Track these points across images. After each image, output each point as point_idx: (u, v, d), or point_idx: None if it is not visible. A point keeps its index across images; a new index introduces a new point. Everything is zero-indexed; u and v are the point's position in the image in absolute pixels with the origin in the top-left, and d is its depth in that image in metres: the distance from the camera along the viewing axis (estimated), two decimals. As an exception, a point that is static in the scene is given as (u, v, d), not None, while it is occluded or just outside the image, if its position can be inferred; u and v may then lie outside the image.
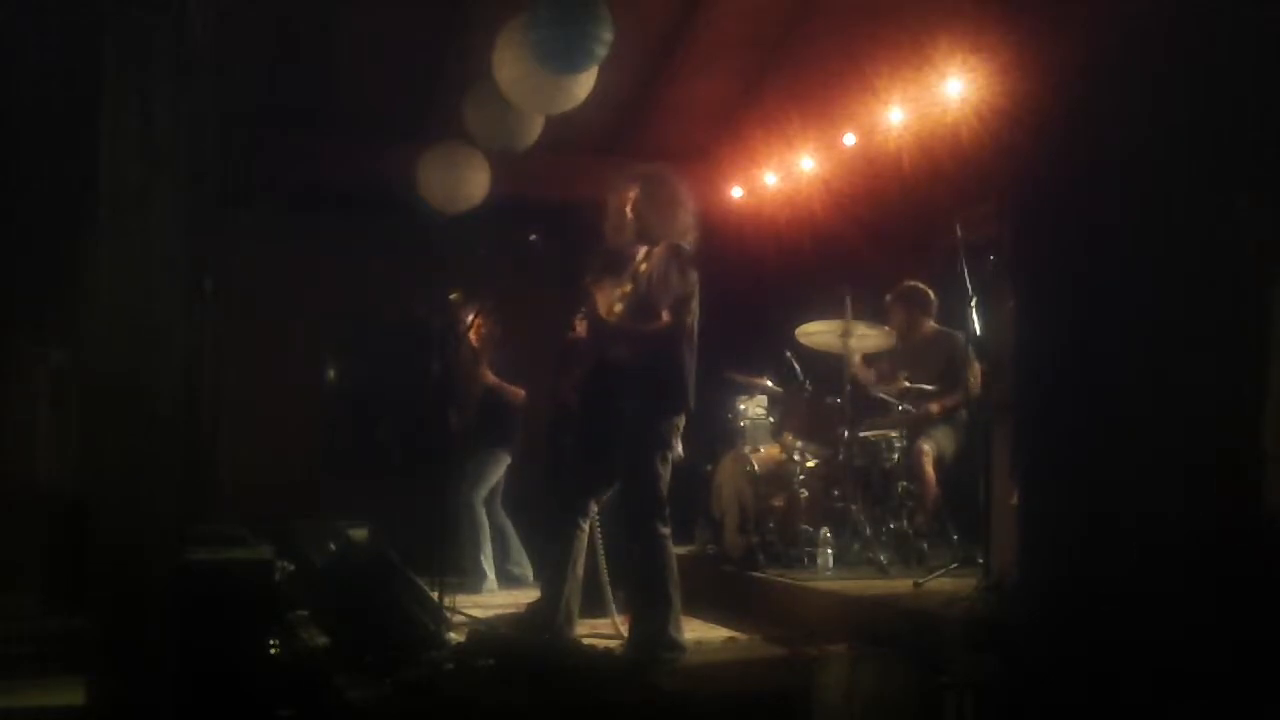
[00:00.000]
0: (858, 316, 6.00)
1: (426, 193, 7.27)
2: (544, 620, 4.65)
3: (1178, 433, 3.47)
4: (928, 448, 5.99)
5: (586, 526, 4.72)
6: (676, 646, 4.48)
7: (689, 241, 4.67)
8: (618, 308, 4.65)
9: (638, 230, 4.66)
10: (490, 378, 6.71)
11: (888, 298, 6.41)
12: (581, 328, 4.72)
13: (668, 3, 7.00)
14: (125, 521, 3.70)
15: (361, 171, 7.54)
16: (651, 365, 4.51)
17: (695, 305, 4.59)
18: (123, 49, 3.78)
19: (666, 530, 4.54)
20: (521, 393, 6.68)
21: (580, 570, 4.70)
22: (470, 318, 6.65)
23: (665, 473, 4.55)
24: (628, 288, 4.65)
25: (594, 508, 4.76)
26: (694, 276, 4.57)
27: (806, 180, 7.59)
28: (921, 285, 6.38)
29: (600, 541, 4.96)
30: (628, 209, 4.65)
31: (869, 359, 6.42)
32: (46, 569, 5.46)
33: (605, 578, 5.11)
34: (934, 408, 6.10)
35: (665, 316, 4.50)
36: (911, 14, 6.04)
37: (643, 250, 4.67)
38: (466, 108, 6.66)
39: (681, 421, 4.61)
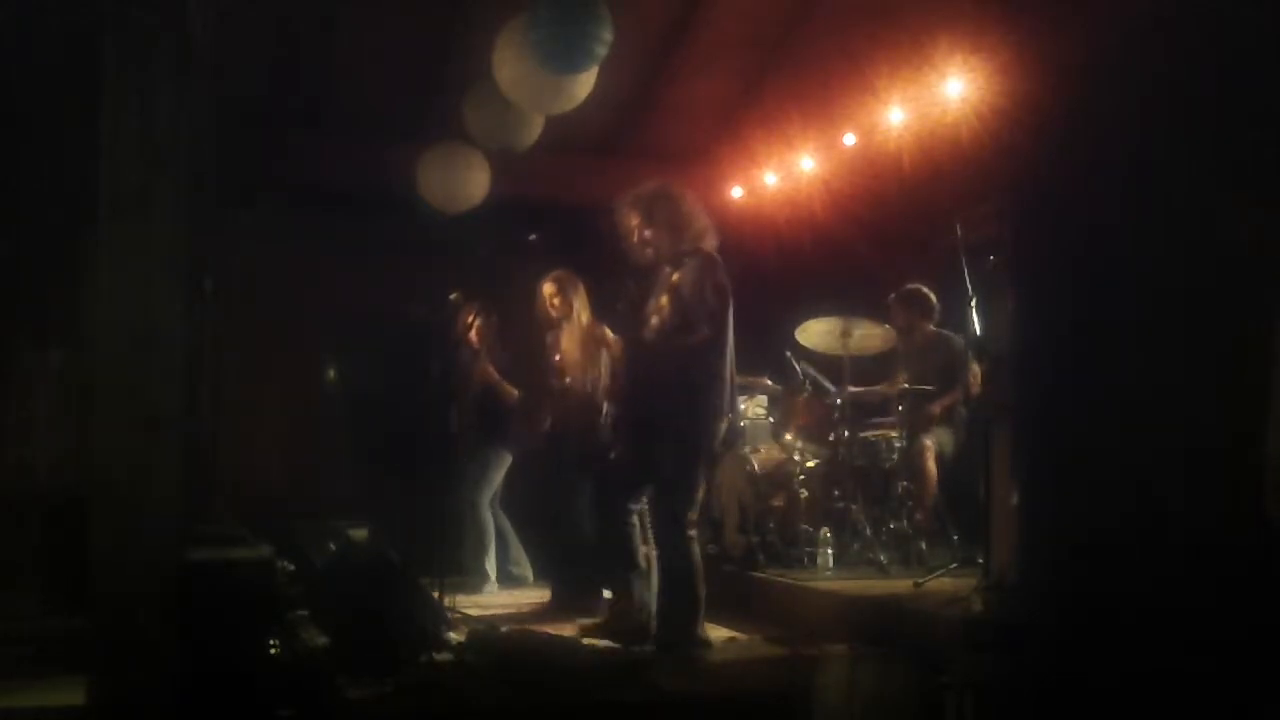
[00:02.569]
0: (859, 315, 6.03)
1: (426, 193, 7.27)
2: (636, 622, 4.77)
3: (1177, 433, 3.47)
4: (929, 443, 6.00)
5: (636, 523, 4.78)
6: (704, 643, 4.57)
7: (710, 243, 4.69)
8: (654, 320, 4.68)
9: (656, 250, 4.70)
10: (492, 376, 6.71)
11: (890, 299, 6.41)
12: (617, 346, 4.69)
13: (668, 3, 7.00)
14: (125, 521, 3.69)
15: (361, 171, 7.54)
16: (691, 376, 4.56)
17: (730, 314, 4.63)
18: (123, 49, 3.78)
19: (694, 532, 4.61)
20: (515, 392, 6.68)
21: (643, 560, 4.81)
22: (470, 318, 6.66)
23: (703, 477, 4.62)
24: (663, 300, 4.67)
25: (638, 507, 4.83)
26: (728, 287, 4.61)
27: (806, 180, 7.59)
28: (924, 288, 6.38)
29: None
30: (636, 235, 4.69)
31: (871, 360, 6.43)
32: (46, 569, 5.44)
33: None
34: (935, 410, 6.10)
35: (705, 330, 4.54)
36: (911, 14, 6.04)
37: (675, 262, 4.69)
38: (466, 108, 6.66)
39: (723, 427, 4.65)
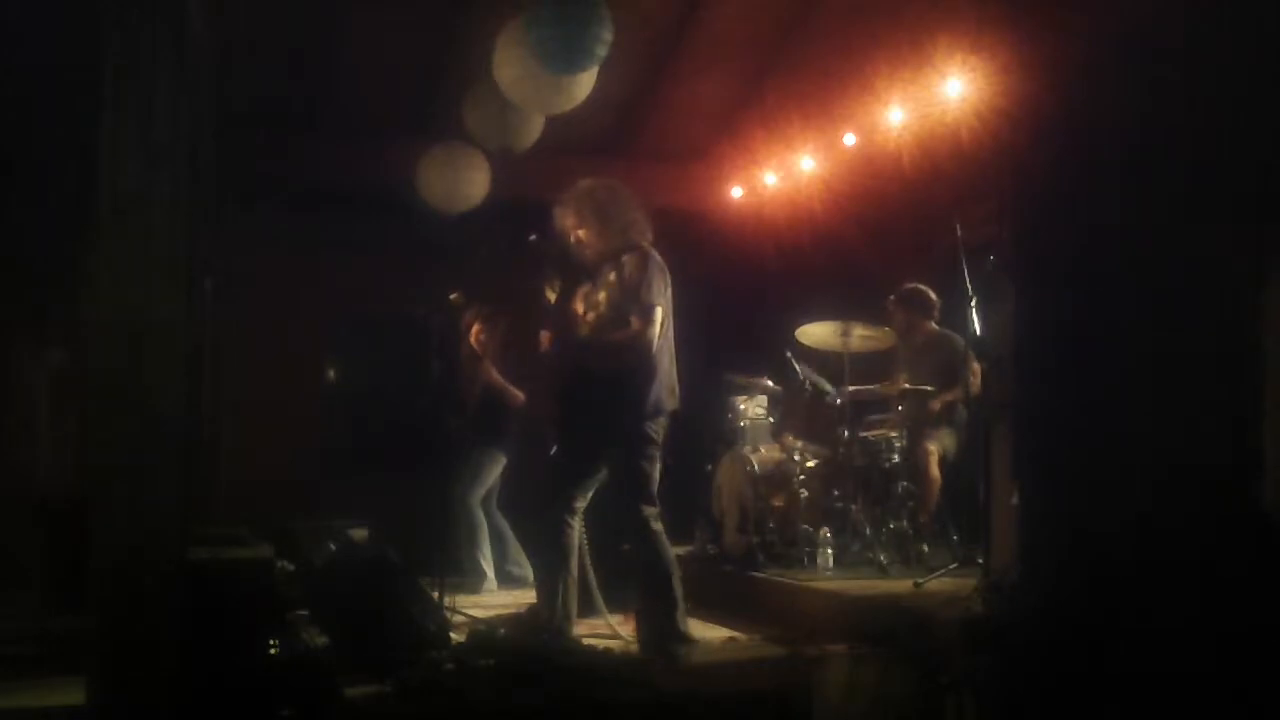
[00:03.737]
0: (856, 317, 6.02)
1: (426, 193, 7.27)
2: (544, 621, 4.67)
3: (1177, 433, 3.47)
4: (933, 447, 5.99)
5: (575, 524, 4.74)
6: (684, 639, 4.54)
7: (646, 236, 4.71)
8: (590, 315, 4.71)
9: (594, 248, 4.72)
10: (493, 377, 6.71)
11: (889, 299, 6.41)
12: (547, 340, 4.80)
13: (668, 3, 7.00)
14: (125, 521, 3.69)
15: (361, 171, 7.54)
16: (627, 370, 4.56)
17: (665, 312, 4.63)
18: (123, 49, 3.78)
19: (659, 526, 4.59)
20: (521, 395, 6.68)
21: (575, 568, 4.73)
22: (470, 318, 6.66)
23: (654, 471, 4.60)
24: (601, 295, 4.71)
25: (580, 506, 4.78)
26: (663, 284, 4.62)
27: (806, 180, 7.59)
28: (922, 287, 6.38)
29: (586, 543, 4.98)
30: (571, 236, 4.74)
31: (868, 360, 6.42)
32: (46, 569, 5.45)
33: (592, 578, 5.12)
34: (934, 405, 6.10)
35: (635, 323, 4.55)
36: (911, 14, 6.05)
37: (614, 259, 4.70)
38: (466, 108, 6.67)
39: (664, 421, 4.65)
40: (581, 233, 4.72)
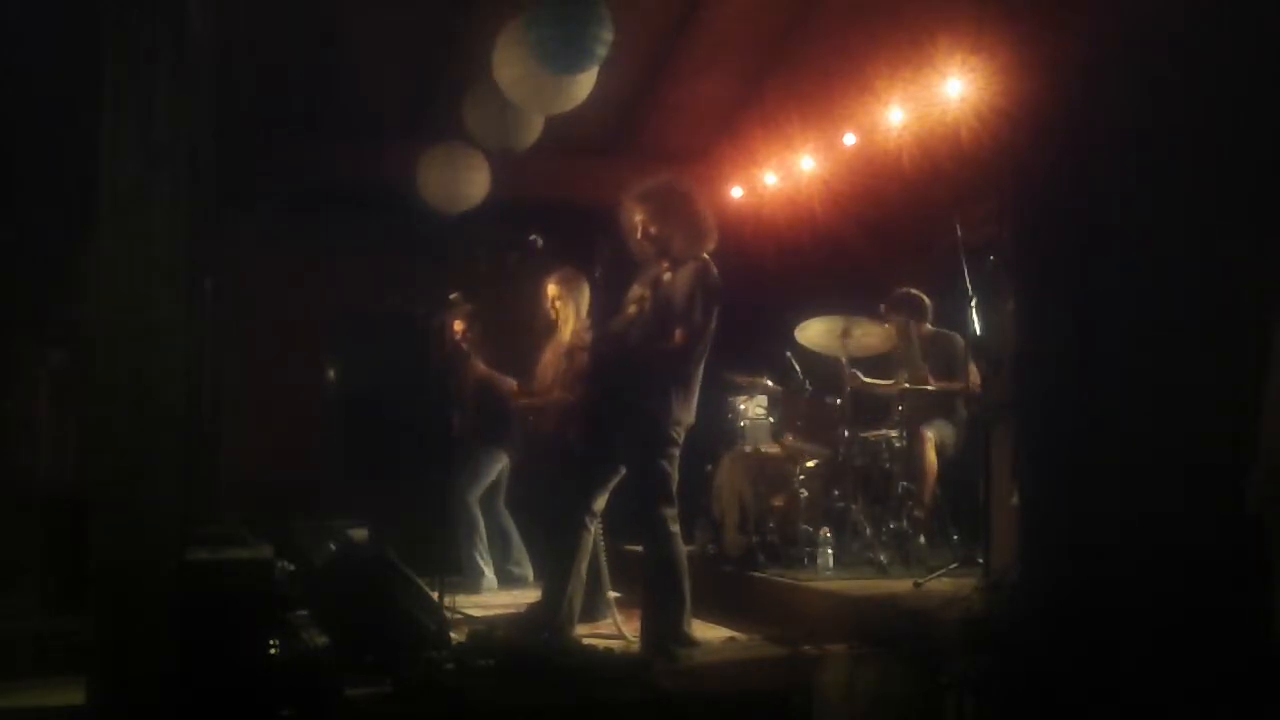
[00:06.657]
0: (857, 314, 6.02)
1: (426, 193, 7.28)
2: (545, 619, 4.67)
3: (1177, 432, 3.47)
4: (930, 434, 6.00)
5: (593, 526, 4.73)
6: (689, 641, 4.55)
7: (709, 246, 4.67)
8: (632, 309, 4.66)
9: (656, 248, 4.66)
10: (482, 369, 6.70)
11: (882, 306, 6.41)
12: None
13: (668, 3, 7.01)
14: (125, 521, 3.69)
15: (361, 171, 7.54)
16: (660, 374, 4.55)
17: (713, 324, 4.60)
18: (123, 50, 3.78)
19: (676, 528, 4.58)
20: (513, 383, 6.66)
21: (584, 570, 4.72)
22: (468, 318, 6.66)
23: (674, 471, 4.58)
24: (646, 293, 4.65)
25: (599, 507, 4.77)
26: (716, 303, 4.58)
27: (806, 180, 7.60)
28: (915, 291, 6.39)
29: (602, 542, 4.98)
30: (639, 229, 4.67)
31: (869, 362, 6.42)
32: (46, 569, 5.44)
33: (605, 577, 5.13)
34: (930, 386, 6.08)
35: (679, 336, 4.51)
36: (911, 14, 6.05)
37: (667, 263, 4.66)
38: (466, 108, 6.67)
39: (688, 422, 4.64)
40: (653, 229, 4.64)
